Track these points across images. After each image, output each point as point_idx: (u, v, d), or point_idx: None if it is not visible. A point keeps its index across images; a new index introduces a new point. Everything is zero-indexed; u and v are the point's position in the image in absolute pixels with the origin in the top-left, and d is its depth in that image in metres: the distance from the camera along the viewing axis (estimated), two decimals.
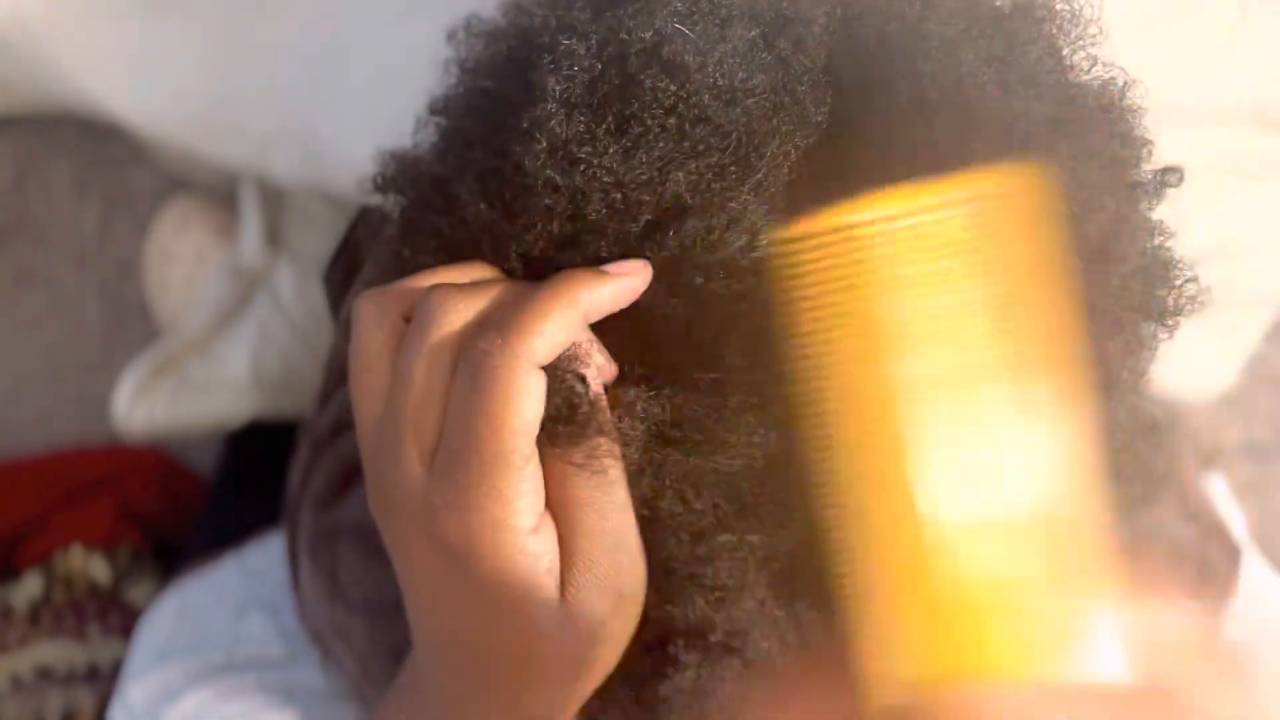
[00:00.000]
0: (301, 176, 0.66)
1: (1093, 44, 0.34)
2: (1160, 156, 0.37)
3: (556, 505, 0.31)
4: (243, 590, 0.62)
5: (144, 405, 0.80)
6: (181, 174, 0.96)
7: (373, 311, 0.32)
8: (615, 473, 0.31)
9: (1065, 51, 0.34)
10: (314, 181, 0.65)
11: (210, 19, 0.64)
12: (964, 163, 0.28)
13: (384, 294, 0.32)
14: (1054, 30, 0.33)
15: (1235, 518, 0.66)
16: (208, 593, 0.63)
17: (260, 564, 0.64)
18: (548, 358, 0.29)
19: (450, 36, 0.39)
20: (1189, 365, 0.70)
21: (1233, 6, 0.55)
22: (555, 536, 0.31)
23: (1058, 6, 0.34)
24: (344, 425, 0.54)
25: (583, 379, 0.30)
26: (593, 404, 0.30)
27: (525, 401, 0.29)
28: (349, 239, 0.81)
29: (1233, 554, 0.54)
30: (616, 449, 0.31)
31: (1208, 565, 0.53)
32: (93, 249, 1.02)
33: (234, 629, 0.58)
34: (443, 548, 0.30)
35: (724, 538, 0.32)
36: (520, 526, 0.30)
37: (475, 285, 0.31)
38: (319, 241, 0.82)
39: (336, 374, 0.56)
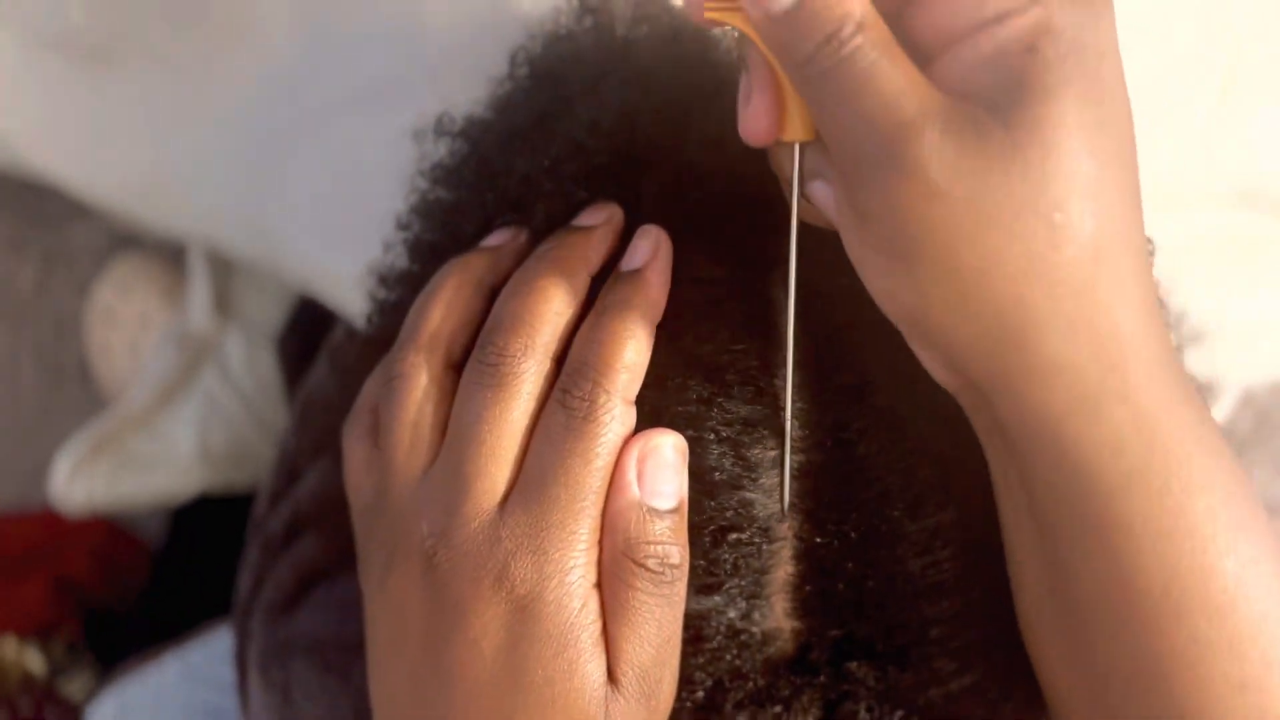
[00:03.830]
0: (248, 253, 0.63)
1: None
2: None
3: (611, 600, 0.29)
4: (185, 695, 0.59)
5: (83, 482, 0.76)
6: (127, 231, 0.92)
7: (412, 369, 0.31)
8: (680, 590, 0.29)
9: None
10: (261, 258, 0.62)
11: (156, 88, 0.61)
12: None
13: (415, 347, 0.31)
14: None
15: None
16: (148, 696, 0.59)
17: (203, 664, 0.60)
18: (635, 390, 0.29)
19: (417, 136, 0.37)
20: None
21: (1213, 94, 0.55)
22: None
23: None
24: (298, 529, 0.51)
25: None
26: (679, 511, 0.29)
27: (617, 439, 0.28)
28: (304, 307, 0.78)
29: None
30: (685, 568, 0.29)
31: None
32: (29, 307, 0.97)
33: None
34: (509, 594, 0.28)
35: None
36: (590, 576, 0.28)
37: (528, 320, 0.30)
38: (270, 309, 0.79)
39: (288, 472, 0.53)
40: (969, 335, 0.26)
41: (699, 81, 0.32)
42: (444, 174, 0.36)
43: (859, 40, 0.25)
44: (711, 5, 0.28)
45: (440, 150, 0.36)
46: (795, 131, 0.28)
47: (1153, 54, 0.53)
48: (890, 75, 0.25)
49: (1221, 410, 0.72)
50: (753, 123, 0.28)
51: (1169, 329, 0.27)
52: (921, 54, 0.26)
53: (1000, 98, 0.24)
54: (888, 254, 0.26)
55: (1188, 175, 0.56)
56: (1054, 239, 0.24)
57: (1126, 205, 0.25)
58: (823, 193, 0.28)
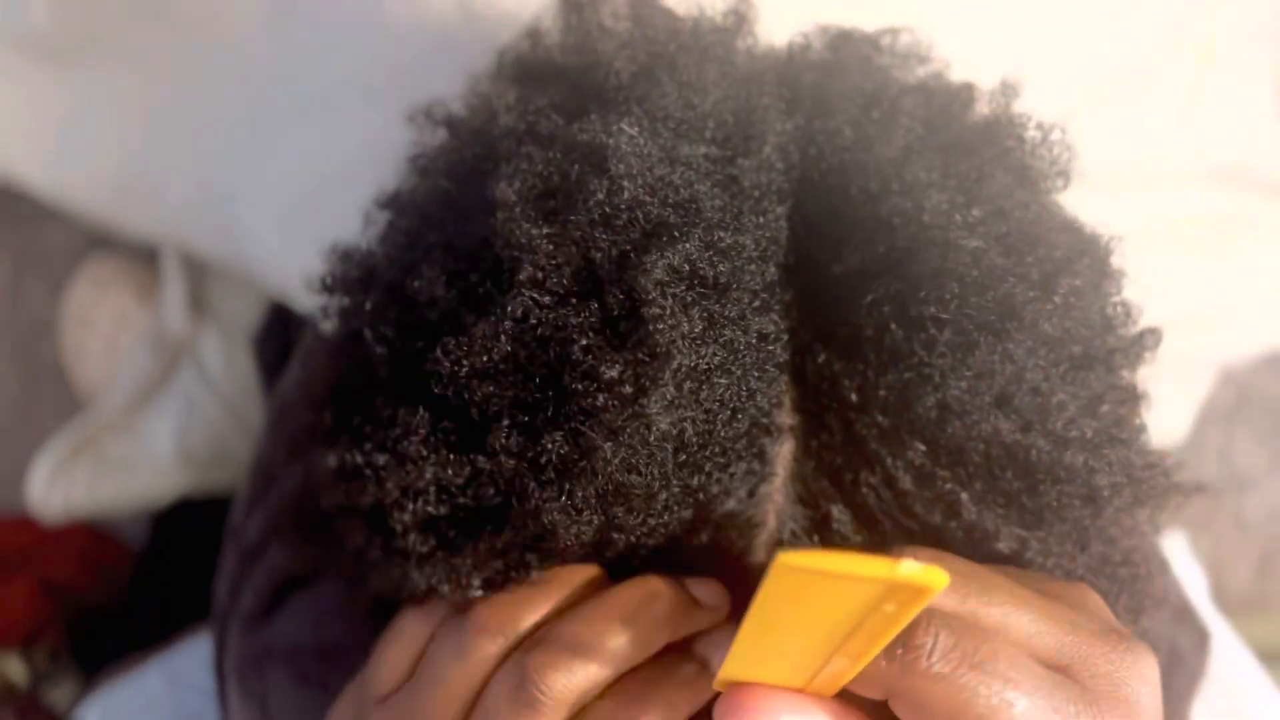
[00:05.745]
0: (217, 256, 0.62)
1: (1064, 165, 0.33)
2: (1127, 229, 0.35)
3: None
4: (170, 701, 0.58)
5: (61, 486, 0.75)
6: (100, 230, 0.91)
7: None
8: None
9: (1035, 176, 0.32)
10: (229, 259, 0.61)
11: (119, 89, 0.60)
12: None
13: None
14: (1024, 158, 0.32)
15: (1197, 583, 0.65)
16: (133, 703, 0.59)
17: (188, 670, 0.60)
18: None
19: (411, 118, 0.36)
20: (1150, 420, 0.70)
21: (1191, 73, 0.55)
22: None
23: (1028, 134, 0.32)
24: (273, 535, 0.50)
25: None
26: None
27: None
28: (281, 308, 0.77)
29: (1202, 638, 0.53)
30: None
31: (1176, 652, 0.52)
32: (3, 309, 0.96)
33: None
34: None
35: None
36: None
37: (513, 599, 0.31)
38: (246, 307, 0.78)
39: (263, 477, 0.52)
40: None
41: (704, 85, 0.31)
42: (429, 163, 0.35)
43: None
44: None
45: (427, 138, 0.36)
46: None
47: (1131, 33, 0.53)
48: None
49: (1204, 386, 0.72)
50: None
51: None
52: None
53: None
54: None
55: (1166, 155, 0.55)
56: None
57: None
58: None
